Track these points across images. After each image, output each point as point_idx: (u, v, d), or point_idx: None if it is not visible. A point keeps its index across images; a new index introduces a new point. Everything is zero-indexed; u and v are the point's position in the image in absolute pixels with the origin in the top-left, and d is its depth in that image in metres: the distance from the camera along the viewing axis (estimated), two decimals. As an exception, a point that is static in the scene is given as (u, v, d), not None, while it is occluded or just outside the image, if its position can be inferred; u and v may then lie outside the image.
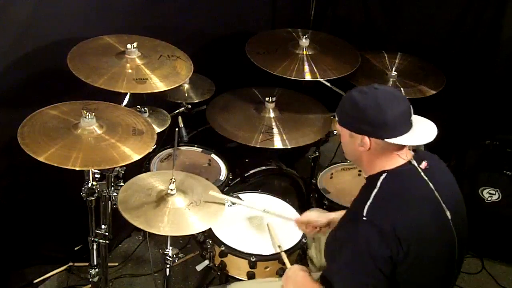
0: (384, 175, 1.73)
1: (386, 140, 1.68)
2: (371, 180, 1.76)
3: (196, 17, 3.09)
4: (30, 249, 2.68)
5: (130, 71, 2.28)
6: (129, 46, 2.32)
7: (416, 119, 1.74)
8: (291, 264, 2.17)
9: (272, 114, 2.81)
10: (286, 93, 3.01)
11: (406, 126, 1.69)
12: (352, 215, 1.76)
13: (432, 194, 1.73)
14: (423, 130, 1.72)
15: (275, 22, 3.56)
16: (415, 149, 1.82)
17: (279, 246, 2.20)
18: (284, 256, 2.16)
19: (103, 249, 2.35)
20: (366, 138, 1.71)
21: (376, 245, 1.63)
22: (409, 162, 1.75)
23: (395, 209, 1.67)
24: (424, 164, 1.76)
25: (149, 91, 2.24)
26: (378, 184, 1.71)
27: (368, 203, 1.67)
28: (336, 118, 1.81)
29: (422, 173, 1.74)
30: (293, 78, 2.71)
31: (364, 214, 1.66)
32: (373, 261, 1.63)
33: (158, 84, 2.26)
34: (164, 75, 2.31)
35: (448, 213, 1.74)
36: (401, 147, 1.73)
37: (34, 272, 2.73)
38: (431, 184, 1.74)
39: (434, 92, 2.87)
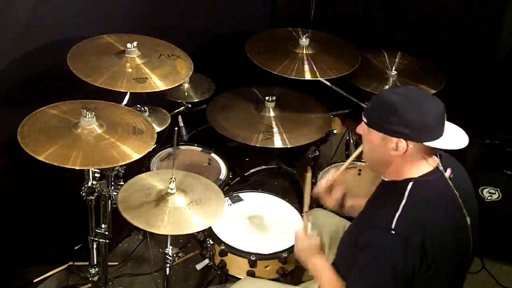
0: (410, 184, 1.67)
1: (425, 143, 1.62)
2: (396, 187, 1.70)
3: (196, 16, 3.10)
4: (30, 248, 2.68)
5: (130, 70, 2.28)
6: (129, 45, 2.32)
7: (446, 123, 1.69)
8: (292, 266, 2.17)
9: (272, 114, 2.81)
10: (286, 93, 3.01)
11: (441, 129, 1.64)
12: (378, 224, 1.66)
13: (457, 202, 1.70)
14: (454, 134, 1.67)
15: (275, 21, 3.56)
16: (440, 153, 1.76)
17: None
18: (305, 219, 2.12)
19: (103, 248, 2.35)
20: (403, 141, 1.63)
21: (402, 259, 1.59)
22: (437, 168, 1.70)
23: (424, 221, 1.63)
24: (449, 171, 1.72)
25: (149, 91, 2.24)
26: (406, 194, 1.66)
27: (397, 215, 1.62)
28: (364, 120, 1.71)
29: (449, 181, 1.70)
30: (293, 78, 2.71)
31: (393, 226, 1.60)
32: (393, 274, 1.60)
33: (158, 84, 2.26)
34: (164, 75, 2.31)
35: (468, 220, 1.72)
36: (432, 151, 1.68)
37: (34, 271, 2.73)
38: (456, 192, 1.70)
39: (434, 91, 2.86)
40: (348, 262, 1.71)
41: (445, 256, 1.66)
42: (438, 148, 1.66)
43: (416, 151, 1.65)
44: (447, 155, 1.79)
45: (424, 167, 1.70)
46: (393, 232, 1.60)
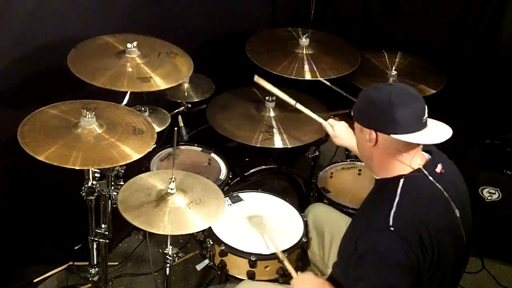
0: (401, 181, 1.70)
1: (392, 136, 1.66)
2: (388, 185, 1.73)
3: (196, 16, 3.10)
4: (30, 248, 2.68)
5: (130, 69, 2.28)
6: (129, 45, 2.32)
7: (432, 122, 1.71)
8: (292, 266, 2.17)
9: (272, 113, 2.81)
10: (286, 92, 3.00)
11: (416, 125, 1.67)
12: (375, 225, 1.67)
13: (443, 197, 1.72)
14: (435, 132, 1.69)
15: (275, 21, 3.56)
16: (430, 150, 1.80)
17: (282, 252, 2.18)
18: (287, 263, 2.13)
19: (103, 248, 2.35)
20: (373, 132, 1.70)
21: (403, 254, 1.60)
22: (426, 164, 1.74)
23: (419, 217, 1.65)
24: (439, 168, 1.75)
25: (152, 89, 2.24)
26: (398, 191, 1.69)
27: (392, 212, 1.64)
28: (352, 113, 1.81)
29: (431, 178, 1.72)
30: (293, 77, 2.71)
31: (391, 224, 1.62)
32: (399, 271, 1.61)
33: (159, 83, 2.26)
34: (165, 73, 2.31)
35: (457, 212, 1.74)
36: (411, 148, 1.71)
37: (34, 271, 2.73)
38: (440, 187, 1.72)
39: (434, 91, 2.86)
40: (351, 268, 1.71)
41: (442, 251, 1.67)
42: (425, 144, 1.71)
43: (390, 145, 1.70)
44: (437, 152, 1.83)
45: (412, 163, 1.72)
46: (392, 229, 1.61)
